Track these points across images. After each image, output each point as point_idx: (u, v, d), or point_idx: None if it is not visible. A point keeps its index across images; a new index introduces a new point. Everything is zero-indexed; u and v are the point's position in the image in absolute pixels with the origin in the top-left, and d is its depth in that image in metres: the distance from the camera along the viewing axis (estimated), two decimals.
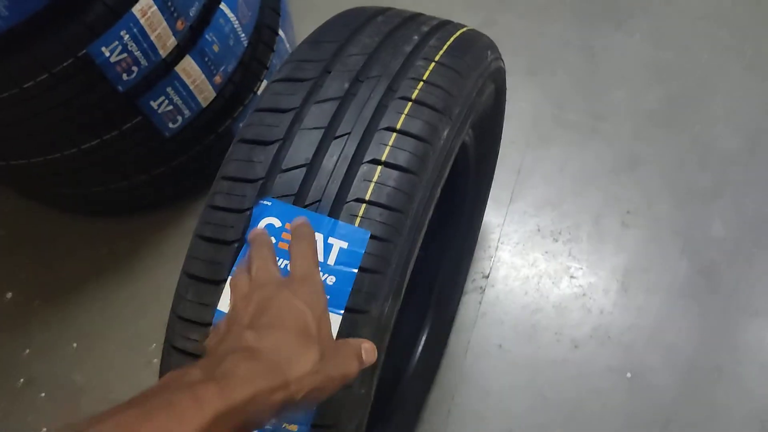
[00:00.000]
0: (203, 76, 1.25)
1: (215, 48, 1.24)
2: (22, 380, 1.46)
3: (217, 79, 1.30)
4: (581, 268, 1.45)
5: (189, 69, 1.21)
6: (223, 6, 1.22)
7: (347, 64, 0.72)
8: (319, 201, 0.64)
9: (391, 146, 0.66)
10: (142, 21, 1.04)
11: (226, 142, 1.46)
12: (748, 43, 1.71)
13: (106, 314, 1.50)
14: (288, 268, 0.61)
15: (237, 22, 1.28)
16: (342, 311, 0.62)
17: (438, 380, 1.35)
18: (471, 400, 1.35)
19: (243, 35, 1.33)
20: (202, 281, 0.66)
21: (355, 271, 0.63)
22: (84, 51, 1.00)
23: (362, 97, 0.69)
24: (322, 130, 0.67)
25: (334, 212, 0.64)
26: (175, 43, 1.14)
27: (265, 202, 0.65)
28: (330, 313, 0.61)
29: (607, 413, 1.32)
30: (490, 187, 1.31)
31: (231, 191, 0.67)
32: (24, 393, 1.45)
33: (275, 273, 0.60)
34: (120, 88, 1.10)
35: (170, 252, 1.54)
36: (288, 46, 1.58)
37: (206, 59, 1.23)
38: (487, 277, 1.45)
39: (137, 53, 1.07)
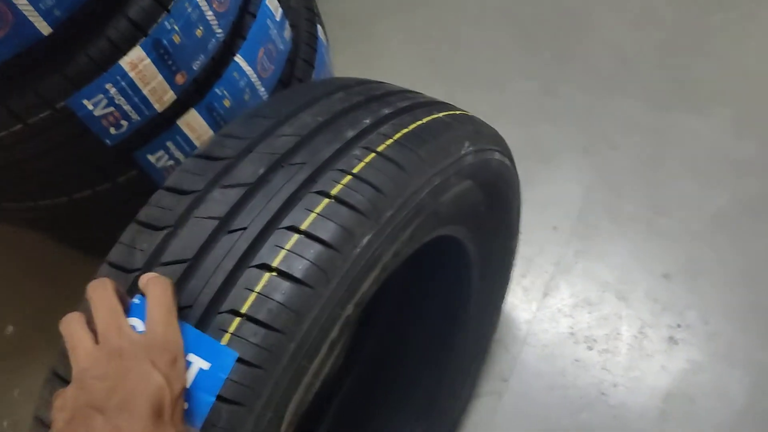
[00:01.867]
0: (211, 131, 1.15)
1: (226, 103, 1.15)
2: (5, 423, 1.40)
3: None
4: (615, 386, 1.26)
5: (193, 123, 1.11)
6: (238, 59, 1.13)
7: (273, 145, 0.62)
8: (191, 307, 0.54)
9: (288, 250, 0.55)
10: (131, 74, 0.95)
11: None
12: None
13: None
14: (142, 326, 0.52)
15: (255, 76, 1.18)
16: None
17: None
18: None
19: (262, 89, 1.23)
20: (56, 377, 0.59)
21: (213, 399, 0.52)
22: (63, 103, 0.92)
23: (274, 186, 0.59)
24: (217, 221, 0.57)
25: (202, 323, 0.54)
26: (174, 97, 1.05)
27: (134, 300, 0.55)
28: None
29: None
30: (506, 287, 1.15)
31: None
32: None
33: (129, 333, 0.51)
34: (108, 141, 1.01)
35: None
36: None
37: (215, 114, 1.14)
38: (507, 381, 1.28)
39: (126, 107, 0.99)
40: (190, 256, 0.55)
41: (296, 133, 0.63)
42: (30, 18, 0.82)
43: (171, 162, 1.15)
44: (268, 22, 1.20)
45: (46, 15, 0.83)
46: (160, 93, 1.02)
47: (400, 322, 1.10)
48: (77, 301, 1.49)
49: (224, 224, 0.57)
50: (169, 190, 0.61)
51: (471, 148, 0.72)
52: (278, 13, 1.24)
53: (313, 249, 0.55)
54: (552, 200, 1.43)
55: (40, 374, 1.39)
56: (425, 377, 1.10)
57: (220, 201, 0.58)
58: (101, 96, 0.95)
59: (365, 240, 0.58)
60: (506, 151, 0.85)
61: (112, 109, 0.98)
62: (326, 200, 0.58)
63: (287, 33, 1.30)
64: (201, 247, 0.56)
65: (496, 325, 1.22)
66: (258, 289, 0.54)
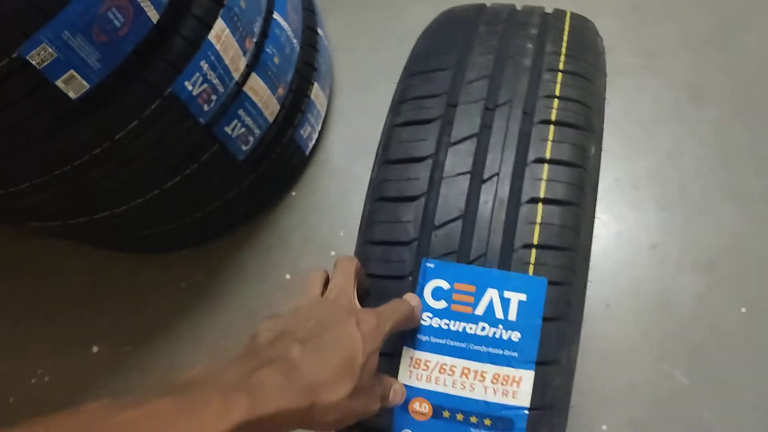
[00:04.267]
0: (268, 91, 1.21)
1: (276, 60, 1.20)
2: None
3: (280, 90, 1.26)
4: (669, 209, 1.43)
5: (256, 87, 1.17)
6: (276, 15, 1.18)
7: (471, 93, 0.67)
8: (485, 254, 0.60)
9: (547, 180, 0.61)
10: (217, 47, 1.00)
11: (290, 151, 1.43)
12: None
13: (200, 349, 1.47)
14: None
15: (289, 29, 1.24)
16: (533, 367, 0.59)
17: None
18: (591, 362, 1.33)
19: (295, 41, 1.29)
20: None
21: (540, 322, 0.59)
22: (169, 90, 0.96)
23: (499, 128, 0.64)
24: (468, 176, 0.62)
25: (503, 264, 0.60)
26: (245, 63, 1.09)
27: (428, 265, 0.61)
28: (520, 371, 0.59)
29: (731, 352, 1.31)
30: None
31: (386, 257, 0.63)
32: None
33: (350, 296, 0.59)
34: (202, 120, 1.06)
35: (251, 272, 1.51)
36: (326, 43, 1.54)
37: (269, 73, 1.19)
38: None
39: (215, 81, 1.03)
40: (460, 213, 0.61)
41: (482, 76, 0.67)
42: (144, 7, 0.85)
43: (243, 129, 1.20)
44: None
45: (155, 2, 0.86)
46: (236, 60, 1.07)
47: None
48: (149, 303, 1.50)
49: (476, 176, 0.62)
50: (401, 162, 0.65)
51: (602, 43, 0.78)
52: None
53: (564, 172, 0.61)
54: None
55: (141, 377, 1.44)
56: None
57: (459, 158, 0.63)
58: (197, 74, 0.99)
59: (593, 151, 0.65)
60: None
61: (205, 86, 1.02)
62: (552, 126, 0.63)
63: None
64: (467, 202, 0.61)
65: None
66: (539, 220, 0.60)
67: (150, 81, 0.93)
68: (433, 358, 0.61)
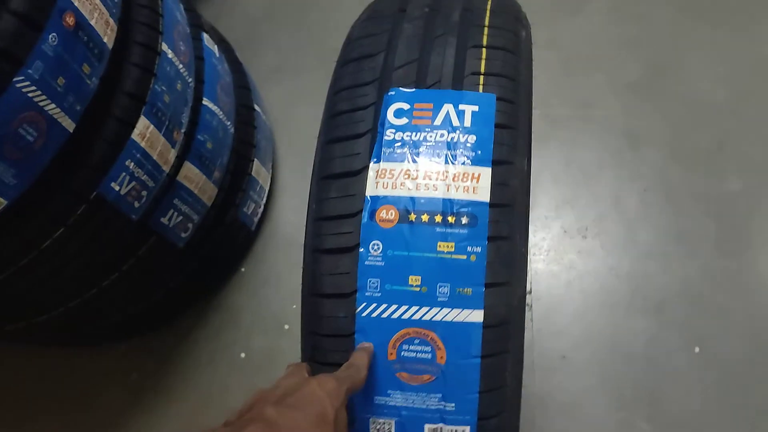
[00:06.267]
0: (204, 176, 1.21)
1: (209, 146, 1.20)
2: None
3: (216, 174, 1.26)
4: (616, 254, 1.44)
5: (190, 175, 1.17)
6: (205, 101, 1.18)
7: (418, 3, 0.80)
8: (440, 81, 0.71)
9: (487, 35, 0.74)
10: (142, 144, 1.00)
11: (234, 230, 1.41)
12: None
13: None
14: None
15: (221, 112, 1.24)
16: (490, 166, 0.67)
17: None
18: (553, 418, 1.32)
19: (229, 123, 1.29)
20: (343, 176, 0.70)
21: (493, 127, 0.68)
22: (95, 193, 0.94)
23: (445, 11, 0.77)
24: (421, 35, 0.75)
25: (456, 85, 0.71)
26: (175, 155, 1.09)
27: (389, 93, 0.71)
28: (478, 167, 0.66)
29: (688, 393, 1.31)
30: None
31: (351, 96, 0.72)
32: None
33: (305, 373, 0.65)
34: (134, 216, 1.05)
35: (204, 356, 1.49)
36: (264, 117, 1.54)
37: (203, 159, 1.19)
38: (530, 293, 1.43)
39: (144, 177, 1.03)
40: (415, 58, 0.72)
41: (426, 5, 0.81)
42: (58, 119, 0.84)
43: (180, 218, 1.19)
44: (214, 60, 1.25)
45: (70, 112, 0.85)
46: (165, 154, 1.07)
47: None
48: (101, 399, 1.45)
49: (427, 36, 0.74)
50: (362, 37, 0.77)
51: None
52: (215, 49, 1.29)
53: (501, 32, 0.75)
54: None
55: None
56: None
57: (412, 28, 0.75)
58: (124, 174, 0.98)
59: (523, 34, 0.78)
60: None
61: (134, 183, 1.01)
62: (488, 10, 0.77)
63: (226, 64, 1.35)
64: (420, 51, 0.73)
65: None
66: (484, 57, 0.72)
67: (73, 188, 0.92)
68: (398, 167, 0.68)
